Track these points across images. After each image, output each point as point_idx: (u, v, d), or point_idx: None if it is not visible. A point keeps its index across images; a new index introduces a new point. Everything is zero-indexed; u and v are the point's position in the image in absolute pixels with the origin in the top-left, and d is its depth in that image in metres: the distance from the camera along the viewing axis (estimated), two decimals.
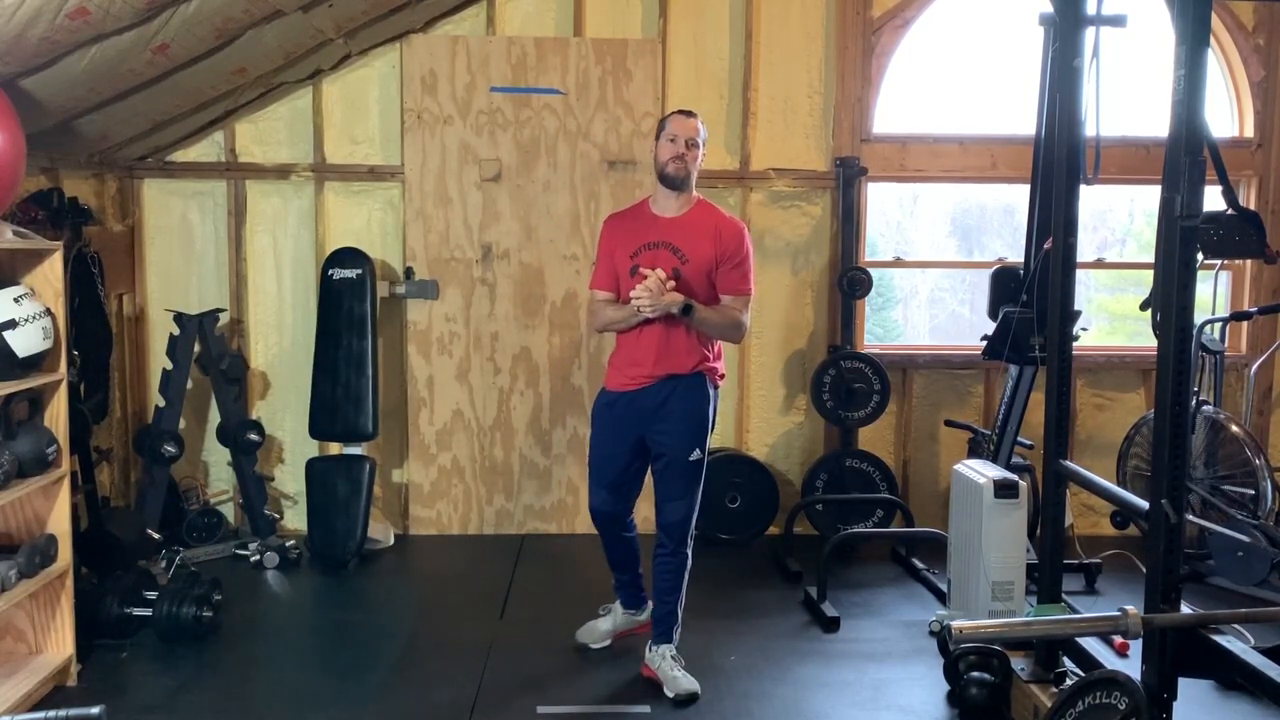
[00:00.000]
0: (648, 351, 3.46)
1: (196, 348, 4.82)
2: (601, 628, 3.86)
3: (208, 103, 4.71)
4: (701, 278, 3.44)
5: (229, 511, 5.22)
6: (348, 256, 4.96)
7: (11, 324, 3.15)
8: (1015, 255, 4.89)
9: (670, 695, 3.44)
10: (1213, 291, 5.13)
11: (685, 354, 3.46)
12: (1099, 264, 5.52)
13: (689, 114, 3.50)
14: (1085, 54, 3.16)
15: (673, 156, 3.41)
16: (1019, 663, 3.32)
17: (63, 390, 3.45)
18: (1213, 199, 2.79)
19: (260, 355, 5.23)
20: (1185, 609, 2.72)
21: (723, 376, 3.61)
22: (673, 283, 3.36)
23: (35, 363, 3.27)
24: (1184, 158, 2.53)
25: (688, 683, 3.46)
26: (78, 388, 4.11)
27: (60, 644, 3.49)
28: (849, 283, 5.02)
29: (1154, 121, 4.80)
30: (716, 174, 5.22)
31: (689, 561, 3.57)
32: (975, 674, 3.35)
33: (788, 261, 5.29)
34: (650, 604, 3.70)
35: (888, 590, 4.54)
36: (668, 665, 3.51)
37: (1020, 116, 4.87)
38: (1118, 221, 6.94)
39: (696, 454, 3.48)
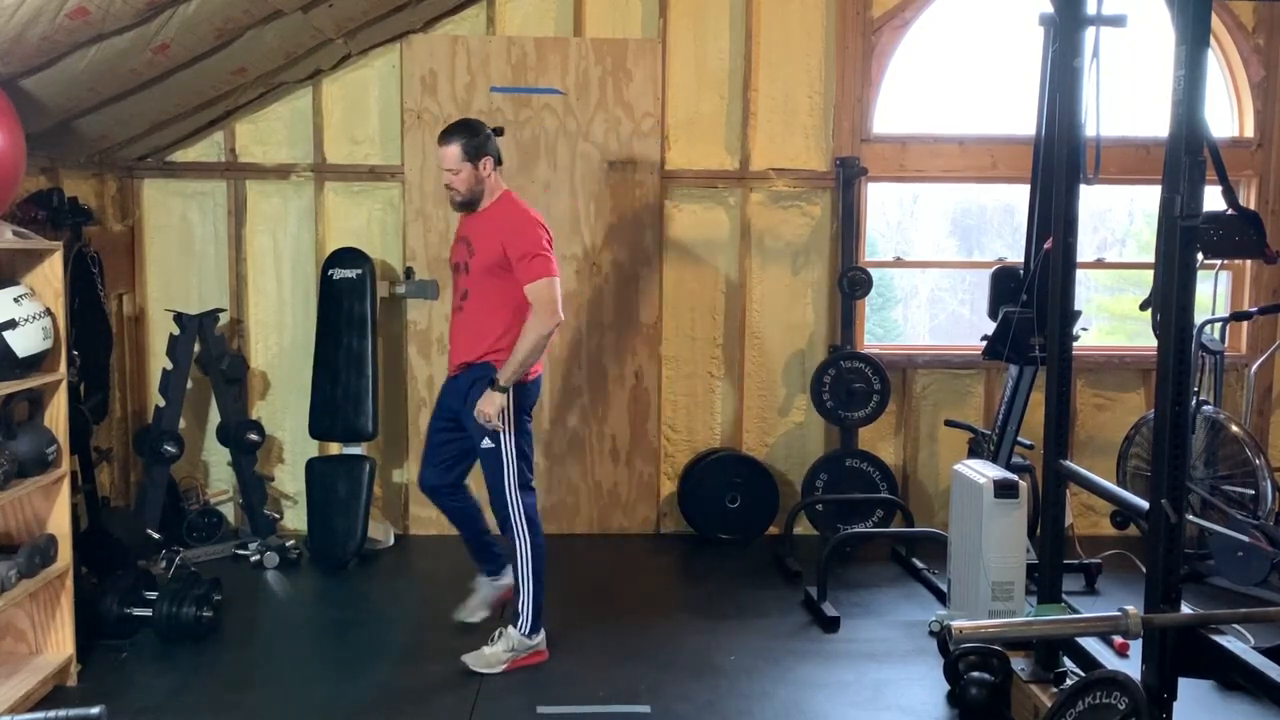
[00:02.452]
0: (454, 339, 3.73)
1: (196, 348, 4.82)
2: (471, 603, 3.97)
3: (208, 103, 4.71)
4: (490, 269, 3.57)
5: (229, 511, 5.22)
6: (348, 256, 4.96)
7: (11, 324, 3.15)
8: (1015, 255, 4.88)
9: (465, 659, 3.59)
10: (1213, 291, 5.13)
11: (475, 340, 3.63)
12: (1099, 264, 5.52)
13: (441, 140, 3.58)
14: (1085, 54, 3.16)
15: (444, 181, 3.62)
16: (1019, 663, 3.32)
17: (63, 390, 3.45)
18: (1213, 199, 2.79)
19: (260, 355, 5.24)
20: (1185, 609, 2.72)
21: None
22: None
23: (35, 363, 3.27)
24: (1184, 158, 2.53)
25: (483, 663, 3.58)
26: (78, 388, 4.11)
27: (60, 644, 3.49)
28: (849, 283, 5.02)
29: (1154, 121, 4.80)
30: (716, 174, 5.22)
31: (528, 550, 3.64)
32: (975, 674, 3.35)
33: (788, 261, 5.29)
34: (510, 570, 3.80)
35: (888, 590, 4.54)
36: (501, 643, 3.62)
37: (1020, 116, 4.87)
38: (1118, 221, 6.94)
39: (487, 443, 3.60)
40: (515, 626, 3.66)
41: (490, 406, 3.49)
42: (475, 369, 3.64)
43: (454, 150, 3.56)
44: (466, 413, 3.62)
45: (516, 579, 3.68)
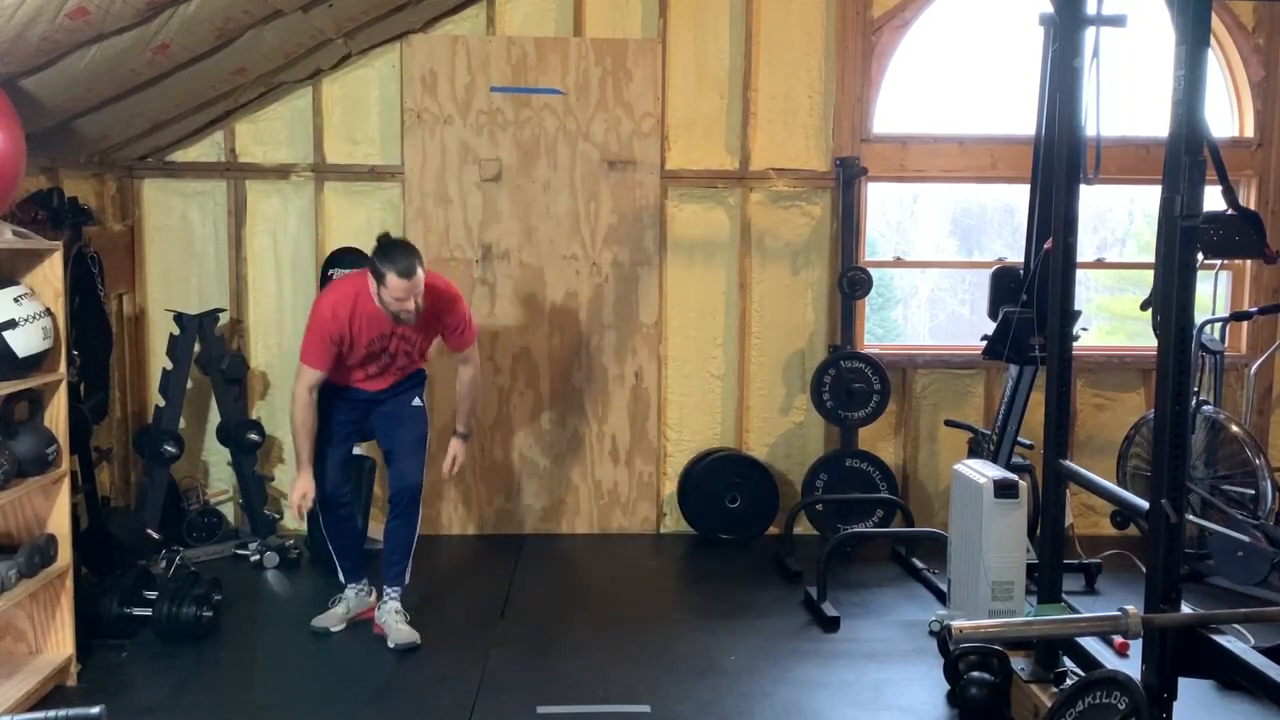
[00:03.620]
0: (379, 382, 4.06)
1: (196, 348, 4.82)
2: (337, 613, 4.11)
3: (208, 103, 4.71)
4: (422, 335, 3.92)
5: (229, 511, 5.23)
6: (348, 256, 4.95)
7: (11, 324, 3.15)
8: (1015, 255, 4.88)
9: (391, 646, 3.83)
10: (1213, 291, 5.13)
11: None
12: (1099, 264, 5.52)
13: (410, 273, 3.60)
14: (1085, 54, 3.16)
15: (405, 309, 3.68)
16: (1019, 663, 3.32)
17: (63, 390, 3.45)
18: (1213, 199, 2.79)
19: (260, 355, 5.23)
20: (1185, 609, 2.72)
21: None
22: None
23: (35, 363, 3.27)
24: (1184, 158, 2.53)
25: (404, 636, 3.86)
26: (78, 388, 4.11)
27: (60, 644, 3.49)
28: (849, 283, 5.02)
29: (1154, 121, 4.80)
30: (716, 174, 5.22)
31: (418, 522, 4.12)
32: (975, 674, 3.35)
33: (788, 261, 5.29)
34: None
35: (888, 590, 4.54)
36: (399, 613, 3.95)
37: (1020, 116, 4.86)
38: (1118, 221, 6.93)
39: (418, 426, 4.13)
40: (398, 591, 3.99)
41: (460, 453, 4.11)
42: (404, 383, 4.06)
43: (422, 275, 3.66)
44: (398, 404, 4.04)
45: (405, 552, 4.02)
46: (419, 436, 4.03)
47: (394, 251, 3.62)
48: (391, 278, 3.59)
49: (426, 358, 4.12)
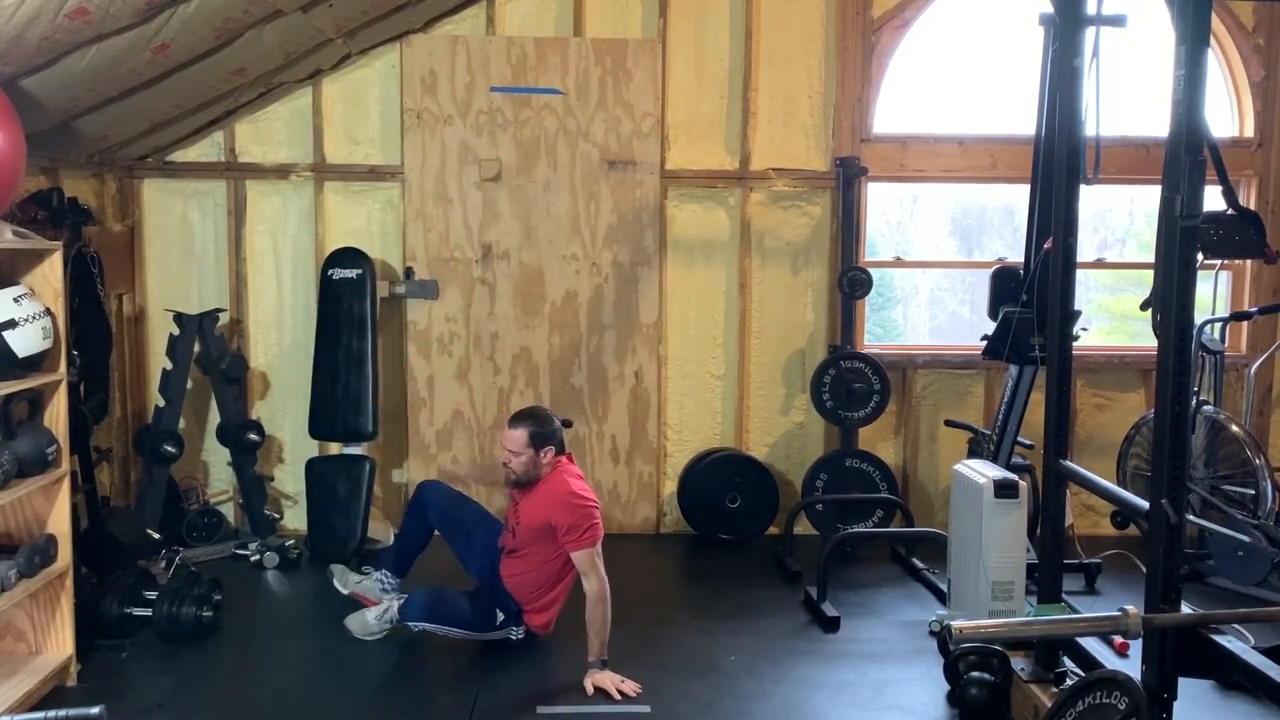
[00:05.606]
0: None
1: (196, 348, 4.82)
2: (355, 580, 4.12)
3: (208, 103, 4.71)
4: (534, 539, 3.72)
5: (229, 511, 5.22)
6: (348, 256, 4.96)
7: (11, 324, 3.14)
8: (1015, 255, 4.88)
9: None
10: (1213, 291, 5.13)
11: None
12: (1099, 264, 5.52)
13: (512, 424, 3.73)
14: (1085, 54, 3.16)
15: (503, 463, 3.78)
16: (1019, 663, 3.32)
17: (63, 390, 3.45)
18: (1213, 199, 2.79)
19: (260, 355, 5.23)
20: (1185, 609, 2.72)
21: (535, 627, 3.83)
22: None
23: (35, 363, 3.27)
24: (1184, 158, 2.53)
25: (361, 625, 3.86)
26: (78, 388, 4.11)
27: (60, 644, 3.49)
28: (849, 283, 5.02)
29: (1154, 121, 4.80)
30: (716, 174, 5.22)
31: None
32: (975, 674, 3.35)
33: (788, 261, 5.29)
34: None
35: (888, 590, 4.54)
36: (384, 616, 3.87)
37: (1020, 116, 4.86)
38: (1118, 221, 6.93)
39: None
40: (398, 606, 3.81)
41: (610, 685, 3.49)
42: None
43: (520, 435, 3.69)
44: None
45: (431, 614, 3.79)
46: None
47: (528, 408, 3.88)
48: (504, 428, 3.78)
49: (536, 569, 3.78)
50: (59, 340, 3.36)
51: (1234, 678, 2.68)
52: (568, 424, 3.88)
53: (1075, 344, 3.47)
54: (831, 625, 4.07)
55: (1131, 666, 2.88)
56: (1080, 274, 3.38)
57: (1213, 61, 4.79)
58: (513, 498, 3.87)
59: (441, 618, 3.75)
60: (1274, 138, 5.25)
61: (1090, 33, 3.17)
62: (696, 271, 5.29)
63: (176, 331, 4.75)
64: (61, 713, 1.99)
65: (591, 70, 5.09)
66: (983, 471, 3.89)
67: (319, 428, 4.92)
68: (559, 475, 3.74)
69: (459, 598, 3.83)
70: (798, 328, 5.32)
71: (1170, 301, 2.60)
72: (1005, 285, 4.48)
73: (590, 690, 3.46)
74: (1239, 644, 2.65)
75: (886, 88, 5.26)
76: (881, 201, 5.87)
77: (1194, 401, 4.56)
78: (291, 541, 4.86)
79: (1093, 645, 3.17)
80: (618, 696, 3.43)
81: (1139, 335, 5.96)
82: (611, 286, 5.20)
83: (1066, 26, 3.21)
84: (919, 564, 4.71)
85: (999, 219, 6.96)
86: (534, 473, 3.72)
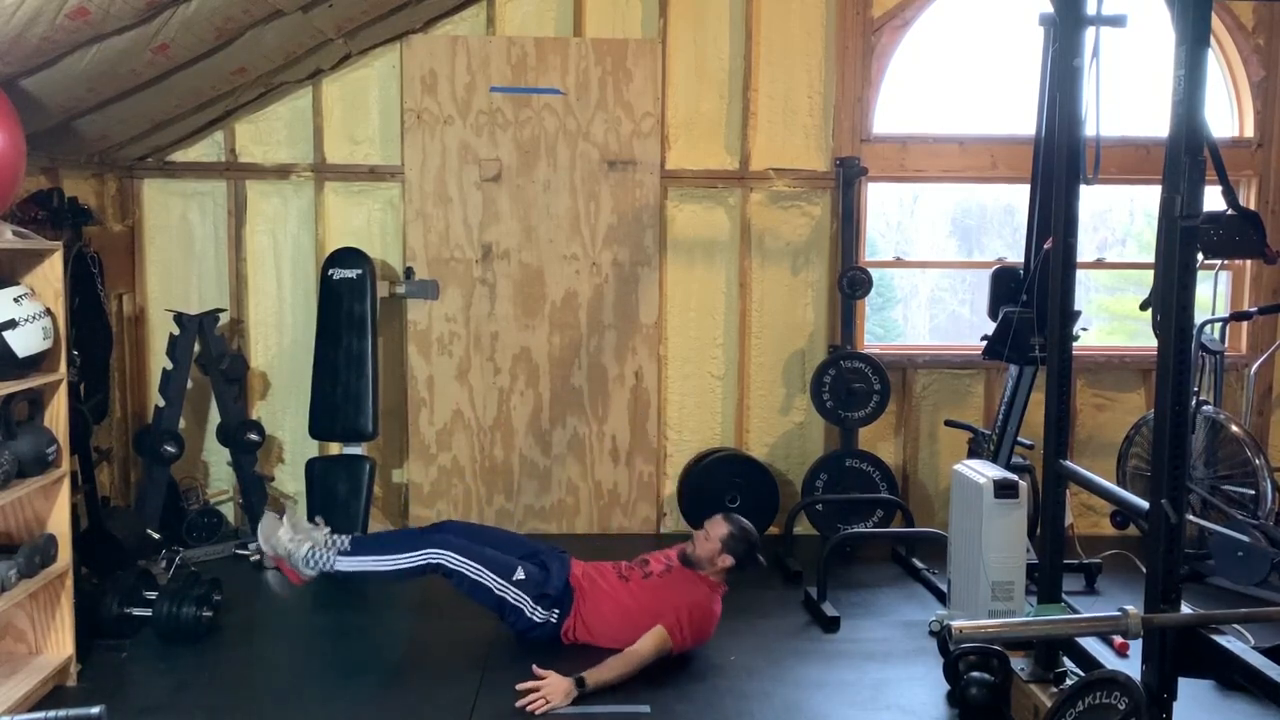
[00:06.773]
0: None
1: (196, 348, 4.82)
2: (298, 522, 3.80)
3: (208, 103, 4.71)
4: (649, 593, 3.78)
5: (229, 511, 5.23)
6: (348, 256, 4.96)
7: (11, 324, 3.14)
8: (1015, 255, 4.89)
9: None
10: (1213, 291, 5.13)
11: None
12: (1099, 264, 5.52)
13: (726, 517, 3.90)
14: (1085, 54, 3.16)
15: (696, 534, 3.92)
16: (1019, 663, 3.32)
17: (63, 390, 3.45)
18: (1213, 199, 2.78)
19: (260, 355, 5.24)
20: (1185, 609, 2.72)
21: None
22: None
23: (35, 363, 3.27)
24: (1184, 158, 2.53)
25: (268, 534, 3.69)
26: (78, 388, 4.11)
27: (60, 644, 3.48)
28: (849, 283, 5.02)
29: (1154, 121, 4.79)
30: (716, 174, 5.22)
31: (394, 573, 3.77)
32: (975, 674, 3.35)
33: (788, 261, 5.29)
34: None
35: (888, 590, 4.54)
36: (299, 540, 3.69)
37: (1020, 116, 4.86)
38: (1118, 221, 6.93)
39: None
40: (328, 547, 3.66)
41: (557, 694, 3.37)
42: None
43: (724, 530, 3.83)
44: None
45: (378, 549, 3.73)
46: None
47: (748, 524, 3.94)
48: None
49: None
50: (59, 340, 3.36)
51: (1234, 678, 2.68)
52: (759, 565, 3.92)
53: (1075, 344, 3.48)
54: (831, 625, 4.07)
55: (1131, 666, 2.88)
56: (1080, 274, 3.38)
57: (1213, 61, 4.79)
58: (666, 560, 3.93)
59: (459, 549, 3.68)
60: (1274, 138, 5.25)
61: (1090, 33, 3.17)
62: (696, 271, 5.29)
63: (176, 331, 4.75)
64: (61, 713, 1.99)
65: (591, 70, 5.09)
66: (983, 471, 3.89)
67: (319, 428, 4.92)
68: (713, 591, 3.81)
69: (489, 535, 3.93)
70: (798, 328, 5.32)
71: (1170, 301, 2.60)
72: (1005, 285, 4.48)
73: (540, 673, 3.41)
74: (1239, 644, 2.65)
75: (886, 88, 5.26)
76: (881, 201, 5.87)
77: (1194, 401, 4.57)
78: None
79: (1093, 645, 3.17)
80: (534, 701, 3.32)
81: (1139, 335, 5.96)
82: (611, 286, 5.21)
83: (1066, 26, 3.21)
84: (919, 564, 4.71)
85: (999, 219, 6.96)
86: (704, 564, 3.79)
